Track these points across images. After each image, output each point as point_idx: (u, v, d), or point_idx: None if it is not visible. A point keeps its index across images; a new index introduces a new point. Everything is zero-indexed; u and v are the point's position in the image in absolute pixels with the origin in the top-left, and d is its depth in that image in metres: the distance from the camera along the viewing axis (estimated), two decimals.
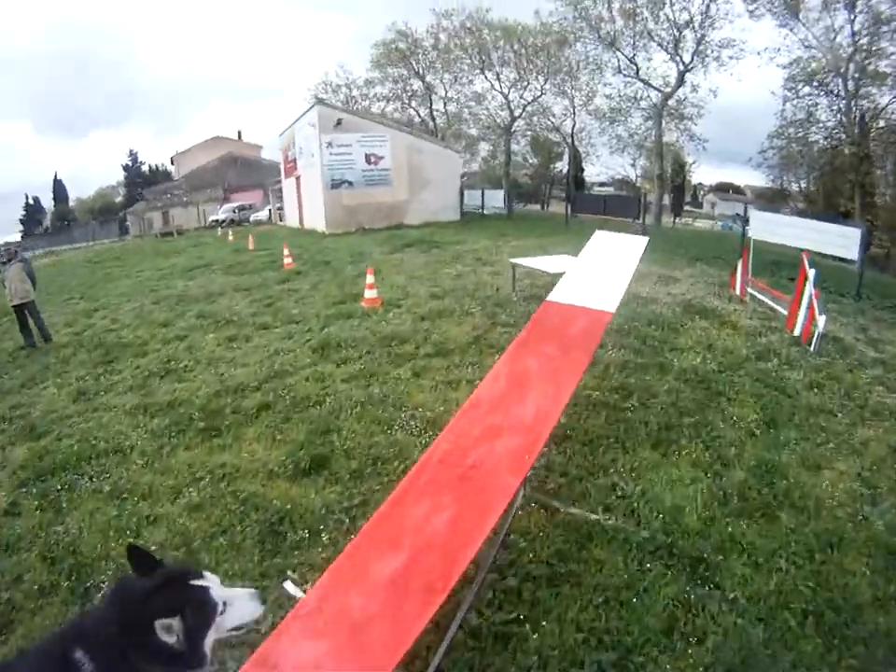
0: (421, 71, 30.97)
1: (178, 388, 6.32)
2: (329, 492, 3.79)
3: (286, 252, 13.14)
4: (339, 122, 20.05)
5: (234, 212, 35.04)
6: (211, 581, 1.53)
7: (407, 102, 32.95)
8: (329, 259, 13.57)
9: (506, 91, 30.02)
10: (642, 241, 4.60)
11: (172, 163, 53.64)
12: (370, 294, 8.36)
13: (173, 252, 20.19)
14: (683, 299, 8.13)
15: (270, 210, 33.00)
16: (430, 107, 32.85)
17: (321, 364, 6.22)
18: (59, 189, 60.60)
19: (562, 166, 40.81)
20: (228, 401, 5.64)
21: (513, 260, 8.41)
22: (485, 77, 30.00)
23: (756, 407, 4.49)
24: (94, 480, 4.60)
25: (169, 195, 41.70)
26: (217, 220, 34.24)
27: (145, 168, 59.18)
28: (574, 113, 31.25)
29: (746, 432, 4.07)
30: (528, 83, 29.39)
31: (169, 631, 1.38)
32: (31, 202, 61.27)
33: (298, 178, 23.96)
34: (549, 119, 32.28)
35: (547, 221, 22.90)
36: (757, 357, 5.72)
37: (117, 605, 1.43)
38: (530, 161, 41.87)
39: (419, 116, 33.56)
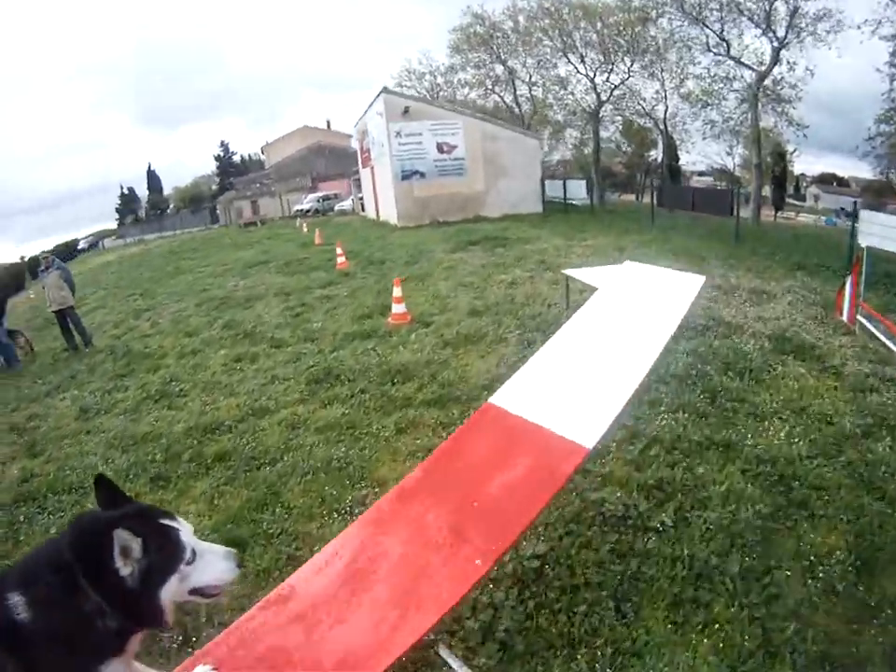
0: (502, 55, 29.47)
1: (161, 418, 5.88)
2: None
3: (338, 251, 12.43)
4: (406, 110, 19.13)
5: (319, 202, 35.30)
6: (183, 526, 1.35)
7: (491, 87, 31.56)
8: (386, 257, 12.75)
9: (591, 73, 27.81)
10: (693, 283, 3.23)
11: (262, 153, 55.43)
12: (397, 309, 7.45)
13: (246, 244, 20.29)
14: (776, 327, 6.48)
15: (352, 200, 32.76)
16: (514, 93, 31.30)
17: (308, 402, 5.48)
18: (153, 180, 65.24)
19: (657, 154, 37.66)
20: (193, 443, 5.07)
21: (567, 272, 7.09)
22: (569, 60, 27.96)
23: (849, 532, 3.02)
24: (51, 517, 4.32)
25: (258, 184, 43.17)
26: (301, 210, 34.61)
27: (236, 158, 61.97)
28: (665, 97, 28.51)
29: (822, 587, 2.64)
30: (613, 65, 27.04)
31: (126, 554, 1.19)
32: (126, 191, 66.01)
33: (372, 169, 23.33)
34: (639, 104, 29.67)
35: (634, 215, 20.76)
36: (864, 432, 4.13)
37: (74, 531, 1.25)
38: (623, 148, 39.05)
39: (504, 102, 32.09)
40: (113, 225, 61.10)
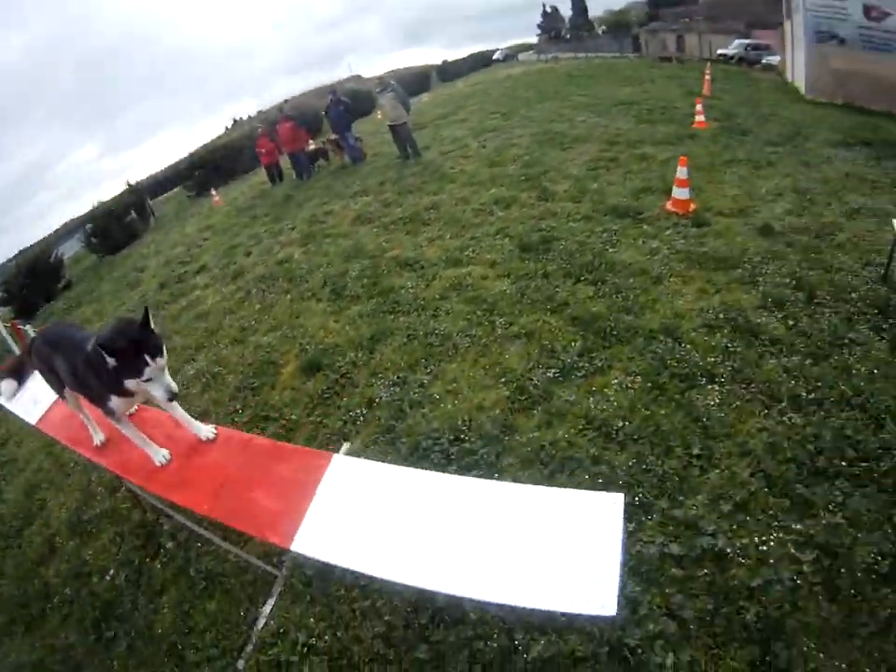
0: None
1: (393, 240, 6.92)
2: None
3: (697, 107, 10.67)
4: None
5: (745, 49, 29.70)
6: (156, 364, 2.17)
7: None
8: (755, 129, 10.39)
9: None
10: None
11: None
12: (678, 194, 6.34)
13: (637, 80, 18.94)
14: None
15: (780, 56, 26.60)
16: None
17: (495, 267, 5.52)
18: (576, 1, 65.36)
19: None
20: (383, 272, 6.02)
21: None
22: None
23: None
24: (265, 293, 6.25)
25: (687, 19, 38.79)
26: (724, 55, 29.96)
27: None
28: None
29: None
30: None
31: (109, 362, 2.16)
32: (548, 10, 69.47)
33: (791, 21, 18.27)
34: None
35: None
36: None
37: (110, 328, 2.20)
38: None
39: None
40: (533, 40, 64.84)
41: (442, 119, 15.77)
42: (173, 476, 2.54)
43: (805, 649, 2.27)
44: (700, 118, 10.54)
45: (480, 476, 3.17)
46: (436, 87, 35.38)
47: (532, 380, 3.83)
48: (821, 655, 2.26)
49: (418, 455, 3.47)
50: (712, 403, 3.44)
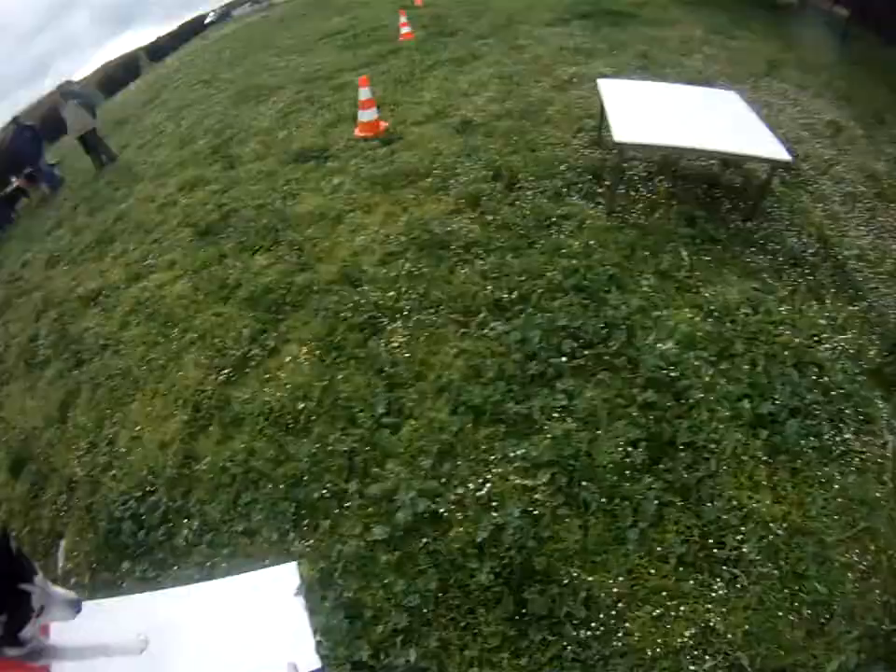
0: None
1: (67, 285, 5.92)
2: None
3: (402, 20, 10.16)
4: None
5: None
6: (37, 584, 1.71)
7: None
8: (467, 27, 10.15)
9: None
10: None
11: None
12: (365, 117, 5.92)
13: (348, 9, 17.96)
14: None
15: None
16: None
17: (173, 269, 4.84)
18: None
19: None
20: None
21: (602, 85, 4.46)
22: None
23: None
24: None
25: None
26: None
27: None
28: None
29: None
30: None
31: None
32: None
33: None
34: None
35: None
36: None
37: None
38: None
39: None
40: None
41: (146, 106, 13.99)
42: None
43: (567, 581, 2.06)
44: (405, 30, 10.10)
45: (167, 523, 2.76)
46: (147, 71, 32.10)
47: (205, 391, 3.35)
48: (590, 578, 2.06)
49: (115, 531, 2.91)
50: (397, 345, 3.16)
